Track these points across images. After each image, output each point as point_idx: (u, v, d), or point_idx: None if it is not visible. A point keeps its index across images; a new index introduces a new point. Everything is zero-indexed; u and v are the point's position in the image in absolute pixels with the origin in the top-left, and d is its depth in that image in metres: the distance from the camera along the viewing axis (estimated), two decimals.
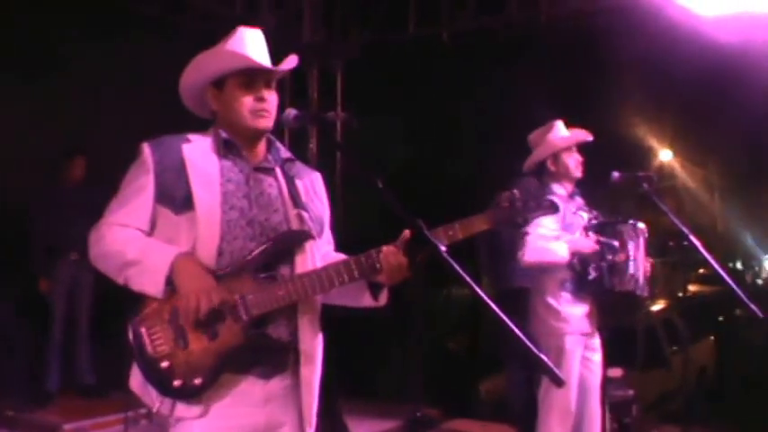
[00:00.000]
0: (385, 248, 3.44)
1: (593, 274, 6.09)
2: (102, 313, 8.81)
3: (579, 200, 6.49)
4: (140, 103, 8.93)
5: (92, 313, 9.06)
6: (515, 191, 3.61)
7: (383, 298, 3.64)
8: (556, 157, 6.43)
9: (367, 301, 3.64)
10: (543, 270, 6.33)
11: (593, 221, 6.32)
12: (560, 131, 6.50)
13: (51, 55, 9.24)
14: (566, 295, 6.26)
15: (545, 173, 6.49)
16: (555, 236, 6.13)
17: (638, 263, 6.14)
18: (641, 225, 6.25)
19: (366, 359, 10.86)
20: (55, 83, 9.19)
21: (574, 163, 6.41)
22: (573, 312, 6.26)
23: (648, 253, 6.32)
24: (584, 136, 6.49)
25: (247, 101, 3.53)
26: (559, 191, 6.38)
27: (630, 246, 6.12)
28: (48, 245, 8.78)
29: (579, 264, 6.15)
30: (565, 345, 6.25)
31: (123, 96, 9.54)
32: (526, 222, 3.66)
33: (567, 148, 6.43)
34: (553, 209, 3.72)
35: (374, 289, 3.61)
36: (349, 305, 3.75)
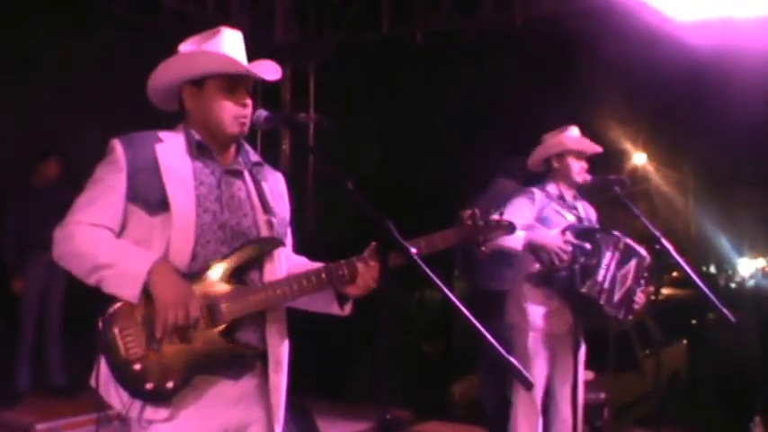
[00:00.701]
0: (360, 267, 3.49)
1: (563, 274, 6.04)
2: (74, 313, 8.77)
3: (577, 205, 6.49)
4: (112, 103, 8.89)
5: (64, 313, 9.01)
6: (476, 210, 3.72)
7: (348, 308, 3.68)
8: (561, 156, 6.41)
9: (333, 309, 3.68)
10: (510, 261, 6.38)
11: (576, 225, 6.29)
12: (573, 134, 6.50)
13: (23, 55, 9.18)
14: (532, 291, 6.26)
15: (548, 170, 6.50)
16: (525, 224, 6.11)
17: (611, 274, 6.01)
18: (634, 245, 6.16)
19: (338, 361, 10.85)
20: (26, 83, 9.14)
21: (577, 168, 6.38)
22: (538, 309, 6.26)
23: (647, 281, 6.27)
24: (595, 147, 6.48)
25: (230, 107, 3.50)
26: (552, 189, 6.38)
27: (606, 255, 6.04)
28: (21, 245, 8.73)
29: (549, 259, 6.12)
30: (528, 343, 6.26)
31: (95, 96, 9.48)
32: (486, 241, 3.75)
33: (576, 152, 6.40)
34: (510, 229, 3.82)
35: (340, 299, 3.64)
36: (314, 311, 3.76)
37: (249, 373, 3.50)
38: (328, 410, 8.44)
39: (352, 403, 9.65)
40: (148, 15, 9.35)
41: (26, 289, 8.83)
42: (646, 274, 6.19)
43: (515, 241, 6.05)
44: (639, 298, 6.18)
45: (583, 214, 6.47)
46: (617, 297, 6.06)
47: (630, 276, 6.13)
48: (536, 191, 6.32)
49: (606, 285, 5.99)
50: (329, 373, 10.61)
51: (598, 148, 6.47)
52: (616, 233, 6.13)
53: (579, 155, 6.41)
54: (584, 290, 5.95)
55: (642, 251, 6.18)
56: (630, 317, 6.29)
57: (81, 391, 8.33)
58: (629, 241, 6.13)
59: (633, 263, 6.13)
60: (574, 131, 6.51)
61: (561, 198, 6.39)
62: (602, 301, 5.97)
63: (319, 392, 9.18)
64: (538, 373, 6.26)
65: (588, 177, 6.42)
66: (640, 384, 12.29)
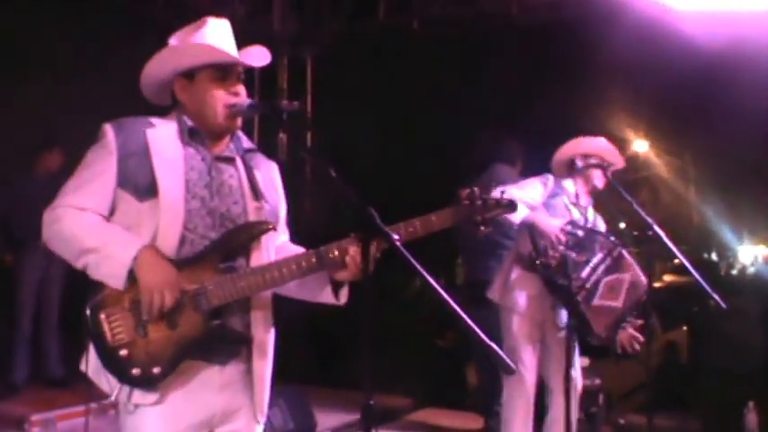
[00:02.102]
0: (351, 249, 3.44)
1: (543, 260, 6.05)
2: (71, 304, 8.76)
3: (589, 210, 6.52)
4: (109, 92, 8.87)
5: (61, 304, 9.00)
6: (476, 188, 3.62)
7: (344, 296, 3.64)
8: (588, 157, 6.42)
9: (327, 297, 3.64)
10: (499, 252, 6.42)
11: (579, 223, 6.30)
12: (605, 143, 6.50)
13: (18, 44, 9.17)
14: (518, 272, 6.30)
15: (571, 167, 6.48)
16: (531, 204, 6.13)
17: (596, 276, 6.06)
18: (631, 261, 6.17)
19: (334, 349, 10.83)
20: (22, 71, 9.13)
21: (599, 173, 6.39)
22: (521, 292, 6.31)
23: (636, 311, 6.25)
24: (621, 162, 6.50)
25: (222, 96, 3.50)
26: (569, 185, 6.40)
27: (597, 256, 6.09)
28: (17, 234, 8.72)
29: (542, 245, 6.14)
30: (513, 326, 6.31)
31: (91, 84, 9.46)
32: (485, 222, 3.64)
33: (602, 159, 6.40)
34: (511, 208, 3.72)
35: (335, 287, 3.60)
36: (309, 299, 3.74)
37: (235, 360, 3.50)
38: (324, 398, 8.47)
39: (349, 390, 9.64)
40: (145, 4, 9.36)
41: (23, 279, 8.83)
42: (638, 306, 6.20)
43: (514, 215, 6.09)
44: (626, 330, 6.18)
45: (591, 218, 6.48)
46: (596, 302, 6.08)
47: (622, 295, 6.13)
48: (551, 177, 6.35)
49: (588, 285, 6.02)
50: (325, 361, 10.61)
51: (622, 163, 6.51)
52: (614, 240, 6.15)
53: (605, 164, 6.41)
54: (562, 281, 5.97)
55: (641, 273, 6.16)
56: (610, 342, 6.25)
57: (77, 382, 8.36)
58: (625, 254, 6.14)
59: (627, 278, 6.14)
60: (604, 141, 6.51)
61: (575, 196, 6.40)
62: (579, 298, 5.99)
63: (315, 380, 9.19)
64: (526, 357, 6.32)
65: (600, 184, 6.45)
66: (640, 371, 12.25)
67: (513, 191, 5.96)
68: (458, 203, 3.61)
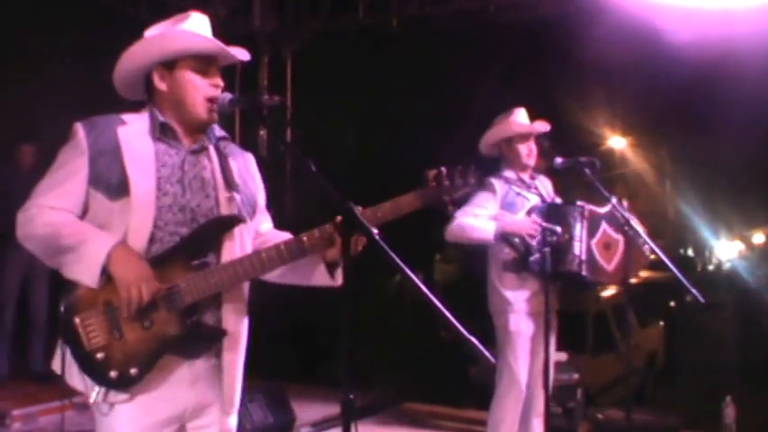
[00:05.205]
0: (308, 235, 3.44)
1: (535, 256, 6.12)
2: (57, 299, 8.71)
3: (536, 183, 6.54)
4: (90, 90, 8.88)
5: (49, 301, 8.97)
6: (442, 168, 3.60)
7: (339, 277, 3.59)
8: (509, 142, 6.47)
9: (323, 278, 3.60)
10: (484, 250, 6.44)
11: (539, 205, 6.36)
12: (519, 118, 6.52)
13: (0, 42, 9.16)
14: (509, 276, 6.33)
15: (500, 155, 6.55)
16: (491, 215, 6.18)
17: (585, 244, 6.11)
18: (597, 210, 6.21)
19: (315, 345, 10.87)
20: (2, 69, 9.12)
21: (526, 151, 6.42)
22: (516, 293, 6.32)
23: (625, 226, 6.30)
24: (540, 127, 6.50)
25: (203, 87, 3.47)
26: (509, 174, 6.43)
27: (576, 227, 6.13)
28: (3, 229, 8.67)
29: (522, 244, 6.20)
30: (509, 325, 6.33)
31: (73, 84, 9.45)
32: (454, 202, 3.64)
33: (522, 136, 6.44)
34: (478, 184, 3.74)
35: (331, 268, 3.57)
36: (303, 283, 3.70)
37: (206, 354, 3.49)
38: (304, 393, 8.48)
39: (328, 386, 9.67)
40: (127, 3, 9.35)
41: (6, 274, 8.78)
42: (623, 224, 6.16)
43: (486, 233, 6.17)
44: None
45: (544, 192, 6.54)
46: (600, 263, 6.19)
47: (611, 237, 6.21)
48: (494, 180, 6.34)
49: (584, 257, 6.09)
50: (305, 356, 10.64)
51: (544, 128, 6.51)
52: (579, 203, 6.20)
53: (526, 138, 6.46)
54: (563, 269, 6.05)
55: (602, 209, 6.22)
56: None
57: (60, 377, 8.33)
58: (592, 207, 6.21)
59: (604, 225, 6.23)
60: (520, 115, 6.55)
61: (520, 180, 6.44)
62: (584, 272, 6.09)
63: (295, 375, 9.20)
64: (518, 353, 6.35)
65: (532, 161, 6.50)
66: (618, 366, 12.32)
67: (467, 221, 6.11)
68: (425, 185, 3.59)
